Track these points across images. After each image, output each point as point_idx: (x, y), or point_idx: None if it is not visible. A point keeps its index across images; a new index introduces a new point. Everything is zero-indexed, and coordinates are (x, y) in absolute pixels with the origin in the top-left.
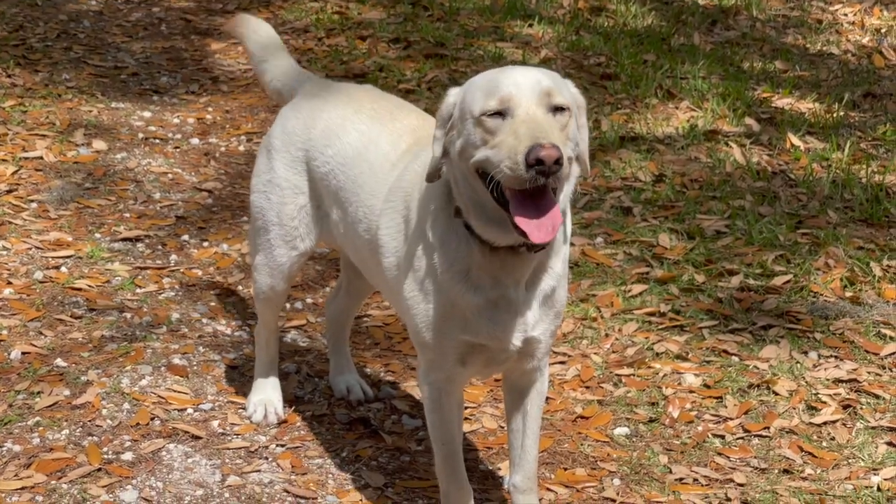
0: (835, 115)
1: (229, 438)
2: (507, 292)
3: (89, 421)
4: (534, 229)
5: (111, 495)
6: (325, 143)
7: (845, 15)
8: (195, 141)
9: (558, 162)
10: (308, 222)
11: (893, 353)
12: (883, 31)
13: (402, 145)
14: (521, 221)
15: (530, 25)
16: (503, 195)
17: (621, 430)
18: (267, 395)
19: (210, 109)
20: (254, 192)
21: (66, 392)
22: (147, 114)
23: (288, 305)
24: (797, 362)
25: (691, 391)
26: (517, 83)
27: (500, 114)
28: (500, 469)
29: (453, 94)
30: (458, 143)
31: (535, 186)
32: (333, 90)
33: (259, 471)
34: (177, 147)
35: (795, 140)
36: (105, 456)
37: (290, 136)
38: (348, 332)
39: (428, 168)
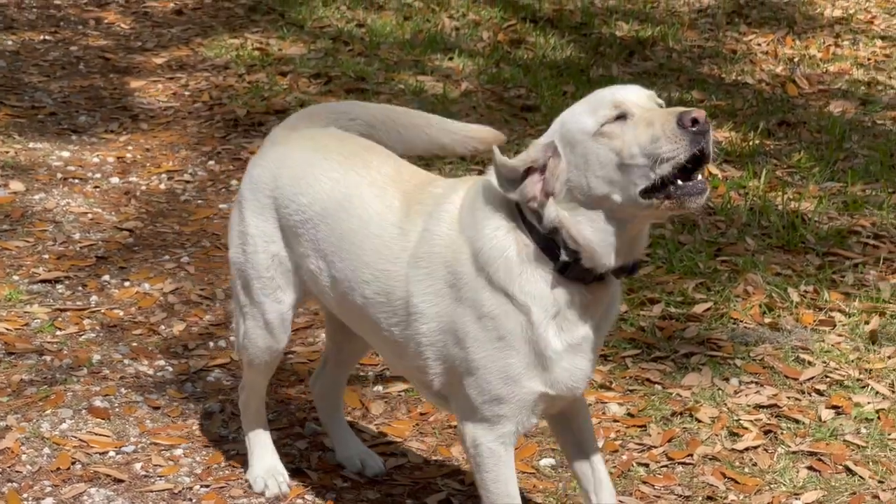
0: (751, 143)
1: (152, 480)
2: (586, 332)
3: (9, 467)
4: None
5: None
6: (295, 190)
7: (759, 45)
8: (115, 180)
9: (707, 121)
10: (284, 272)
11: (812, 378)
12: (796, 60)
13: (394, 202)
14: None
15: (450, 59)
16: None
17: (547, 462)
18: (270, 464)
19: (130, 148)
20: (230, 248)
21: None
22: (66, 153)
23: (212, 344)
24: (719, 389)
25: (615, 420)
26: (620, 91)
27: (620, 118)
28: (425, 503)
29: (542, 141)
30: (587, 177)
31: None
32: (297, 135)
33: None
34: (96, 186)
35: (713, 168)
36: (25, 502)
37: (256, 184)
38: (342, 404)
39: (547, 216)
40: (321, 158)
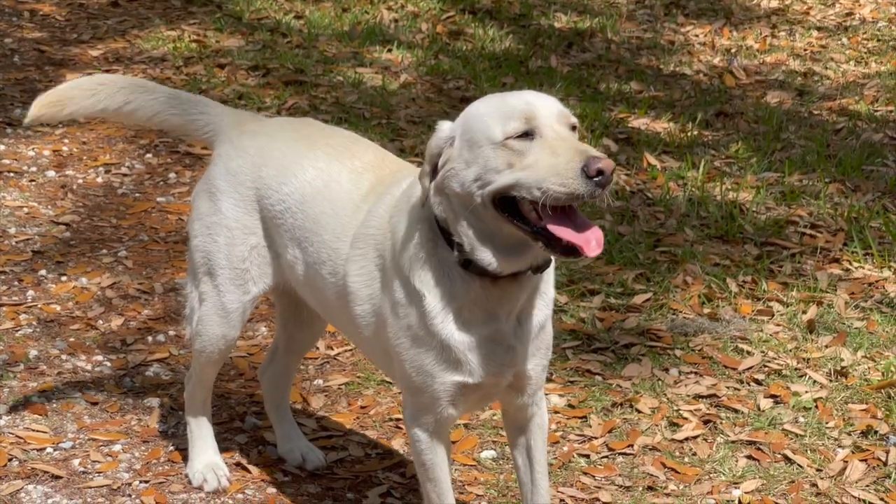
0: (689, 134)
1: (91, 477)
2: (500, 326)
3: None
4: (585, 243)
5: None
6: (280, 181)
7: (696, 36)
8: (51, 173)
9: (613, 172)
10: (261, 263)
11: (751, 368)
12: (733, 51)
13: (364, 184)
14: (570, 236)
15: (389, 51)
16: (524, 219)
17: (488, 454)
18: (210, 458)
19: (66, 141)
20: (196, 237)
21: None
22: (0, 147)
23: (150, 338)
24: (659, 379)
25: (556, 412)
26: (534, 104)
27: (527, 134)
28: (366, 497)
29: (447, 128)
30: (467, 172)
31: (569, 204)
32: (275, 126)
33: None
34: (32, 180)
35: (652, 159)
36: None
37: (236, 175)
38: (289, 394)
39: (420, 196)
40: (306, 149)
